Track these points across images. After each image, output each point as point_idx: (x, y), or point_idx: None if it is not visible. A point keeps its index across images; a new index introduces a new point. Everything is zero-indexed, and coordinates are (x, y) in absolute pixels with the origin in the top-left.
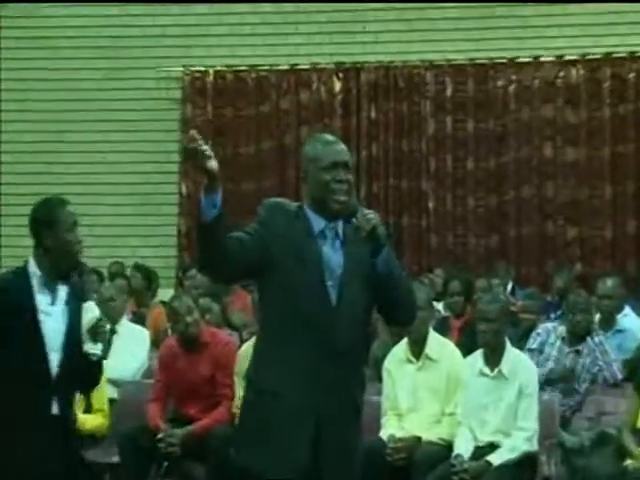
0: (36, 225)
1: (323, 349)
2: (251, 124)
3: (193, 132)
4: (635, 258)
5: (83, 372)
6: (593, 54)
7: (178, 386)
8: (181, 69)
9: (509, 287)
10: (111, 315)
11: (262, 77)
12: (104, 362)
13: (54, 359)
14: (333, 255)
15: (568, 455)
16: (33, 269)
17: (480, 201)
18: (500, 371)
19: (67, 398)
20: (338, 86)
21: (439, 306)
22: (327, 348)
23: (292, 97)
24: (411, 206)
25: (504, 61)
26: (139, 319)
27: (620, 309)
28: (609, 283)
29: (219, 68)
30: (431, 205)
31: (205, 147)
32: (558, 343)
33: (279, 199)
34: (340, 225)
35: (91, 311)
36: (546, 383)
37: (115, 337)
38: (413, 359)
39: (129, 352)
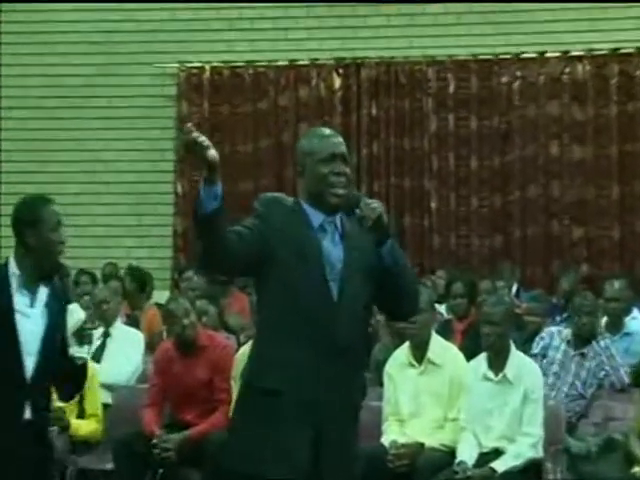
0: (19, 224)
1: (324, 346)
2: (248, 121)
3: (189, 124)
4: None
5: (67, 376)
6: (600, 49)
7: (174, 391)
8: (177, 65)
9: (514, 289)
10: (105, 318)
11: (260, 73)
12: (98, 366)
13: (29, 362)
14: (333, 249)
15: (574, 462)
16: (13, 269)
17: (484, 201)
18: (504, 375)
19: (42, 403)
20: (338, 82)
21: (442, 308)
22: (328, 345)
23: (291, 94)
24: (413, 206)
25: (508, 57)
26: (133, 322)
27: (628, 312)
28: (616, 285)
29: (216, 64)
30: (433, 205)
31: (203, 137)
32: (563, 346)
33: (276, 193)
34: (338, 218)
35: (76, 314)
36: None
37: (109, 340)
38: (415, 363)
39: (123, 356)
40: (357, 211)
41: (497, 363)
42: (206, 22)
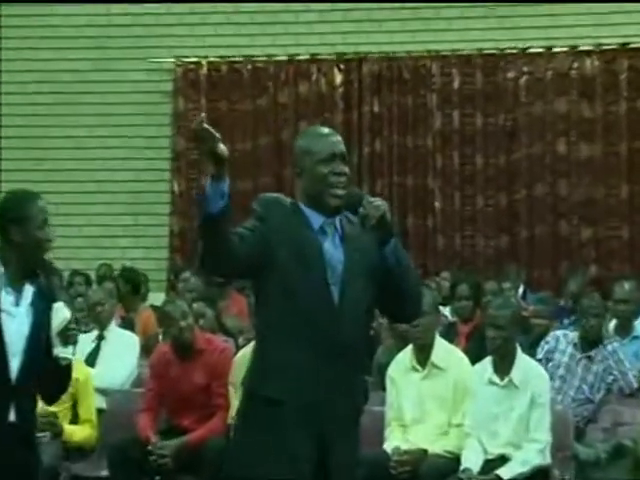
0: (4, 220)
1: (325, 350)
2: (247, 119)
3: (202, 115)
4: None
5: (51, 377)
6: (609, 44)
7: (171, 395)
8: (173, 60)
9: (520, 291)
10: (99, 320)
11: (259, 69)
12: (92, 370)
13: (14, 363)
14: (334, 252)
15: (583, 468)
16: None
17: (489, 200)
18: (510, 380)
19: (27, 405)
20: (339, 78)
21: (446, 311)
22: (329, 349)
23: (290, 90)
24: (416, 205)
25: (515, 51)
26: (128, 324)
27: (637, 314)
28: (626, 287)
29: (213, 59)
30: (437, 204)
31: (213, 130)
32: (569, 349)
33: (274, 194)
34: (338, 220)
35: (62, 312)
36: None
37: (103, 343)
38: (418, 367)
39: (118, 359)
40: (360, 210)
41: (503, 367)
42: (203, 16)
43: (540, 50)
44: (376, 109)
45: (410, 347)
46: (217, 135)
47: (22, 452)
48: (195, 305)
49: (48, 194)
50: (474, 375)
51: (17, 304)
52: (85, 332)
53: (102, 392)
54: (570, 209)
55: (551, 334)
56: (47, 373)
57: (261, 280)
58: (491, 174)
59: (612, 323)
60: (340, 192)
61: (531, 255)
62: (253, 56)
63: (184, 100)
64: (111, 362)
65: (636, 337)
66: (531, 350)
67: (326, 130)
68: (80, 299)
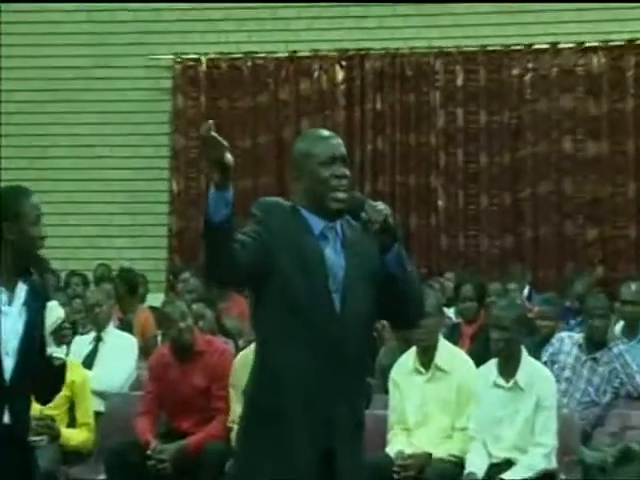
0: None
1: (327, 358)
2: (247, 116)
3: (210, 122)
4: None
5: (44, 378)
6: (616, 40)
7: (170, 398)
8: (172, 57)
9: (526, 292)
10: (97, 322)
11: (259, 65)
12: (90, 372)
13: (8, 364)
14: (335, 257)
15: (589, 473)
16: None
17: (494, 199)
18: (516, 382)
19: (22, 406)
20: (341, 75)
21: (450, 312)
22: (331, 356)
23: (291, 87)
24: (419, 204)
25: (519, 48)
26: (126, 326)
27: None
28: (633, 287)
29: (213, 56)
30: (441, 203)
31: (220, 138)
32: (575, 351)
33: (274, 198)
34: (339, 224)
35: (56, 311)
36: None
37: (101, 345)
38: (422, 369)
39: (116, 361)
40: (362, 215)
41: (508, 369)
42: (203, 12)
43: (545, 46)
44: (378, 107)
45: (413, 349)
46: (225, 143)
47: (18, 454)
48: (195, 306)
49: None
50: (479, 377)
51: (10, 303)
52: (82, 334)
53: (100, 395)
54: (576, 208)
55: (556, 336)
56: (40, 373)
57: (261, 286)
58: (495, 173)
59: (619, 325)
60: (341, 195)
61: (536, 255)
62: (253, 52)
63: (183, 97)
64: (109, 364)
65: None
66: (537, 352)
67: (326, 132)
68: (78, 300)
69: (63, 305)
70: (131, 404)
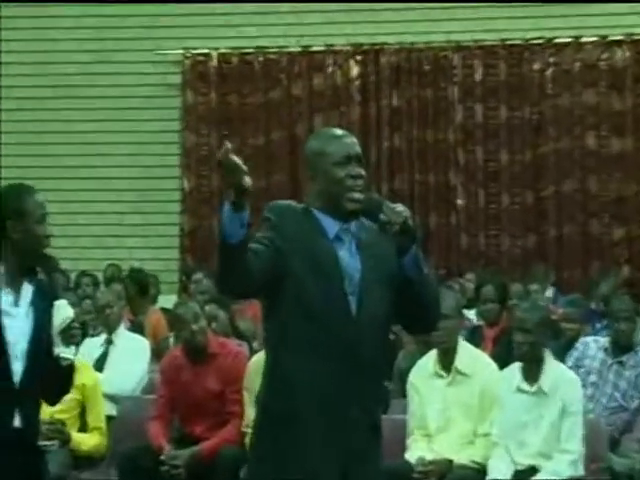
0: (1, 215)
1: (344, 362)
2: (259, 113)
3: (229, 145)
4: None
5: (52, 378)
6: None
7: (183, 402)
8: (181, 52)
9: (550, 293)
10: (108, 323)
11: (271, 60)
12: (101, 376)
13: (17, 367)
14: (350, 260)
15: None
16: None
17: (515, 198)
18: (540, 387)
19: (32, 409)
20: (355, 70)
21: (471, 314)
22: (348, 360)
23: (304, 83)
24: (438, 203)
25: (541, 42)
26: (137, 328)
27: None
28: None
29: (223, 50)
30: (461, 202)
31: (239, 161)
32: (600, 355)
33: (286, 201)
34: (353, 226)
35: (64, 311)
36: None
37: (112, 348)
38: (442, 373)
39: (128, 364)
40: (380, 216)
41: (531, 373)
42: (213, 5)
43: (568, 40)
44: (395, 102)
45: (433, 352)
46: (244, 167)
47: (28, 459)
48: (208, 307)
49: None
50: (502, 381)
51: (16, 304)
52: (93, 335)
53: (111, 398)
54: (601, 207)
55: (580, 340)
56: (48, 374)
57: (275, 292)
58: (517, 170)
59: None
60: (357, 196)
61: (560, 255)
62: (265, 47)
63: (193, 93)
64: (120, 367)
65: None
66: (561, 356)
67: (340, 131)
68: (88, 301)
69: (73, 306)
70: (143, 408)
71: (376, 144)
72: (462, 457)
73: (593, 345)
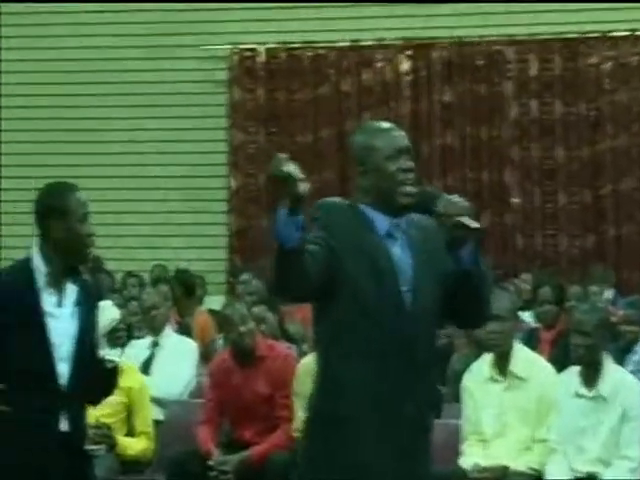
0: (43, 216)
1: (399, 362)
2: (307, 109)
3: (280, 155)
4: None
5: (96, 380)
6: None
7: (232, 406)
8: (228, 47)
9: (610, 294)
10: (154, 325)
11: (320, 55)
12: (148, 379)
13: (63, 369)
14: (402, 256)
15: None
16: (38, 265)
17: (573, 196)
18: (598, 391)
19: (78, 413)
20: (406, 65)
21: (527, 316)
22: (404, 360)
23: (354, 78)
24: (493, 202)
25: (597, 35)
26: (184, 330)
27: None
28: None
29: (271, 45)
30: (516, 201)
31: (294, 168)
32: None
33: (333, 198)
34: (403, 221)
35: (109, 312)
36: None
37: (158, 350)
38: (498, 377)
39: (175, 367)
40: (437, 208)
41: (590, 378)
42: None
43: (625, 33)
44: (447, 98)
45: (488, 356)
46: (299, 175)
47: (75, 463)
48: (256, 309)
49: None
50: (559, 386)
51: (60, 305)
52: (139, 338)
53: (159, 402)
54: None
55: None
56: (92, 375)
57: (329, 293)
58: (574, 168)
59: None
60: (410, 189)
61: (619, 255)
62: (314, 42)
63: (240, 90)
64: (167, 370)
65: None
66: (621, 359)
67: (387, 124)
68: (134, 302)
69: (119, 307)
70: (191, 412)
71: (427, 141)
72: (519, 463)
73: None
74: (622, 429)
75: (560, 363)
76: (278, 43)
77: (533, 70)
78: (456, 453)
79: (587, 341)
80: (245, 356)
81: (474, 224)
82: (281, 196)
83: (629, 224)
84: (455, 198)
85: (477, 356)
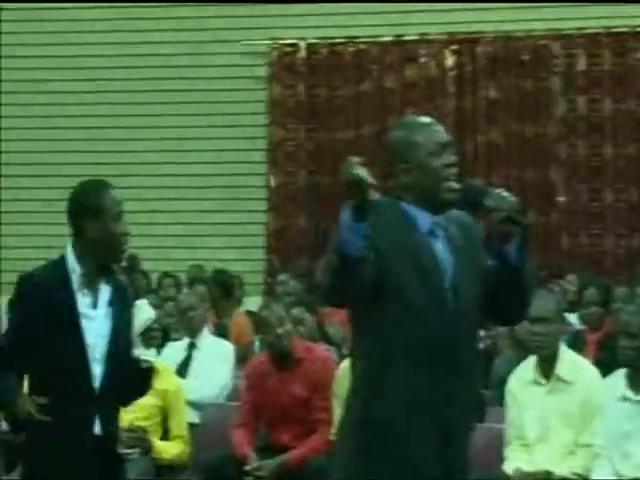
0: (77, 215)
1: (445, 363)
2: (349, 106)
3: (352, 159)
4: None
5: (130, 381)
6: None
7: (269, 409)
8: (268, 42)
9: None
10: (191, 327)
11: (362, 51)
12: (184, 382)
13: (97, 370)
14: (444, 253)
15: None
16: (72, 265)
17: (620, 194)
18: None
19: (111, 415)
20: (450, 61)
21: (572, 318)
22: (449, 362)
23: (397, 74)
24: (538, 201)
25: None
26: (221, 331)
27: None
28: None
29: (312, 41)
30: (562, 199)
31: (366, 172)
32: None
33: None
34: (443, 218)
35: (144, 311)
36: None
37: (195, 352)
38: (542, 380)
39: (211, 370)
40: (486, 202)
41: (637, 380)
42: None
43: None
44: (492, 94)
45: (532, 359)
46: (371, 180)
47: (108, 466)
48: (294, 310)
49: (131, 189)
50: (605, 389)
51: (94, 306)
52: (175, 339)
53: (194, 405)
54: None
55: None
56: (126, 376)
57: (375, 294)
58: (621, 165)
59: None
60: (455, 185)
61: None
62: (356, 37)
63: (280, 86)
64: (204, 372)
65: None
66: None
67: (426, 119)
68: (170, 303)
69: (155, 308)
70: (227, 415)
71: (472, 138)
72: (563, 469)
73: None
74: None
75: (606, 366)
76: (319, 38)
77: (581, 65)
78: (499, 458)
79: (634, 343)
80: (282, 358)
81: (523, 219)
82: (351, 198)
83: None
84: (503, 192)
85: (521, 359)
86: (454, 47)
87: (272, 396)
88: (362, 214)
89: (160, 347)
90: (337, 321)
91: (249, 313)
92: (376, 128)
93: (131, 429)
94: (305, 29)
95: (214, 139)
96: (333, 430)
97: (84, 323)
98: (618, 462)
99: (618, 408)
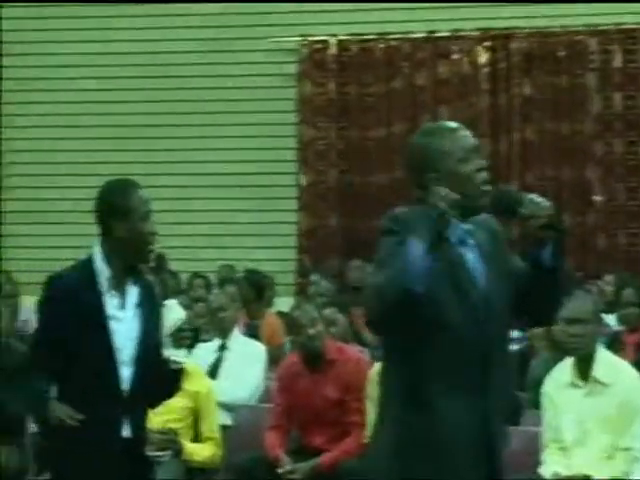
0: (105, 215)
1: (481, 383)
2: (380, 103)
3: (442, 204)
4: None
5: (159, 382)
6: None
7: (301, 411)
8: (297, 39)
9: None
10: (222, 328)
11: (393, 47)
12: (215, 383)
13: (126, 373)
14: (475, 263)
15: None
16: (100, 265)
17: None
18: None
19: (140, 417)
20: (484, 57)
21: (610, 319)
22: (484, 380)
23: (429, 71)
24: (574, 200)
25: None
26: (252, 332)
27: None
28: None
29: (343, 37)
30: (598, 198)
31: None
32: None
33: (404, 208)
34: (471, 226)
35: (174, 311)
36: None
37: (226, 353)
38: (579, 382)
39: (243, 371)
40: (522, 210)
41: None
42: None
43: None
44: (526, 91)
45: (569, 360)
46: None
47: (137, 469)
48: (326, 311)
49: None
50: None
51: (123, 307)
52: (206, 340)
53: (226, 407)
54: None
55: None
56: (156, 377)
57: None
58: None
59: None
60: (487, 189)
61: None
62: (387, 33)
63: (310, 83)
64: (235, 374)
65: None
66: None
67: (452, 124)
68: (200, 304)
69: (185, 308)
70: (259, 417)
71: (506, 136)
72: (601, 473)
73: None
74: None
75: None
76: (350, 35)
77: (617, 62)
78: (536, 461)
79: None
80: (314, 360)
81: (560, 224)
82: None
83: None
84: (537, 198)
85: (558, 360)
86: (487, 43)
87: (304, 398)
88: (437, 246)
89: (191, 348)
90: None
91: (280, 314)
92: (407, 126)
93: (162, 431)
94: (335, 25)
95: (244, 137)
96: (367, 433)
97: (112, 325)
98: None
99: None
